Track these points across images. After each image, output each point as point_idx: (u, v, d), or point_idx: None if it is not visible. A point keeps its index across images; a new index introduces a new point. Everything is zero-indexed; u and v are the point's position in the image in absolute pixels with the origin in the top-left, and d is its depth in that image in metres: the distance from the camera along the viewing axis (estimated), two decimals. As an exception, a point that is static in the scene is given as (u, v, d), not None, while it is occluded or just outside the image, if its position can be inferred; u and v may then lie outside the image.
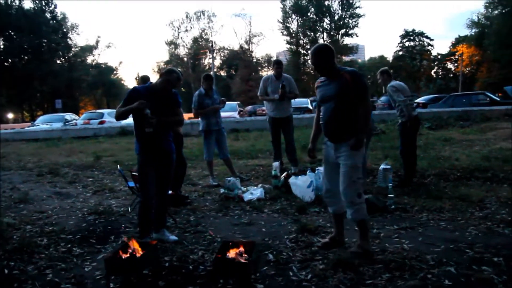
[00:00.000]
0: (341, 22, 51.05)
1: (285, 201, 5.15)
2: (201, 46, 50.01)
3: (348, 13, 50.30)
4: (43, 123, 19.77)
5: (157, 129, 3.59)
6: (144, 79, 5.50)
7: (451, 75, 53.76)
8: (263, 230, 4.14)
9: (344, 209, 3.41)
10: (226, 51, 52.77)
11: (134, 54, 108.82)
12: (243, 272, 2.79)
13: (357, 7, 49.50)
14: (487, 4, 40.52)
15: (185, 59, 49.61)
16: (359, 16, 50.19)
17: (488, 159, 7.24)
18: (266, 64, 55.71)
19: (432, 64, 54.97)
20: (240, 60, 51.14)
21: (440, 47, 71.61)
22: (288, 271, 3.12)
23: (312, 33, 52.15)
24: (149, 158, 3.74)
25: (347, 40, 51.92)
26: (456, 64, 51.83)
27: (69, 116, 22.03)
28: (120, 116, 3.78)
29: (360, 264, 3.15)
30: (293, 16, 51.18)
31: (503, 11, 36.08)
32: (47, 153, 11.70)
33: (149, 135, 3.59)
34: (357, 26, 50.70)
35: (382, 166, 5.87)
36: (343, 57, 52.07)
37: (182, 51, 50.11)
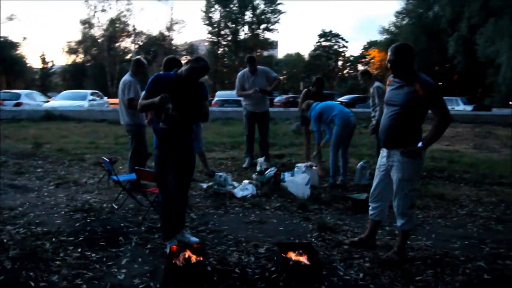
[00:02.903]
0: (263, 17, 51.89)
1: (280, 198, 5.12)
2: (118, 28, 47.08)
3: (270, 8, 51.23)
4: None
5: (179, 124, 3.30)
6: (169, 63, 4.70)
7: (362, 76, 57.72)
8: (281, 228, 4.09)
9: (384, 217, 3.50)
10: (144, 36, 50.36)
11: (41, 30, 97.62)
12: (316, 274, 2.73)
13: (279, 3, 50.68)
14: (397, 14, 44.36)
15: (100, 40, 46.29)
16: (280, 12, 51.47)
17: (434, 159, 7.97)
18: (185, 53, 54.56)
19: (346, 65, 58.56)
20: (160, 47, 49.26)
21: (351, 49, 76.60)
22: (336, 271, 3.12)
23: (234, 25, 52.25)
24: (169, 154, 3.41)
25: (267, 35, 53.04)
26: (367, 67, 55.86)
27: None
28: (143, 110, 3.45)
29: (399, 261, 3.27)
30: (216, 6, 50.67)
31: (411, 22, 39.66)
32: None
33: (163, 131, 3.28)
34: (278, 22, 51.95)
35: (359, 164, 6.12)
36: (264, 52, 53.17)
37: (97, 32, 46.73)
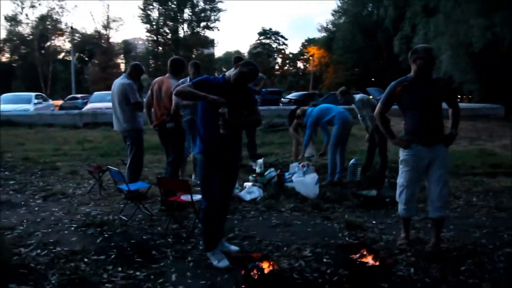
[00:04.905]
0: (203, 15, 51.28)
1: (288, 198, 5.12)
2: (50, 26, 43.94)
3: (210, 6, 50.75)
4: None
5: (232, 131, 3.17)
6: (176, 64, 4.79)
7: (301, 73, 59.31)
8: (309, 230, 4.10)
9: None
10: (78, 35, 47.54)
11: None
12: (385, 273, 2.78)
13: (219, 1, 50.35)
14: (334, 13, 46.11)
15: (29, 38, 42.93)
16: (220, 10, 51.16)
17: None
18: (122, 51, 52.48)
19: (285, 62, 59.72)
20: (96, 46, 46.84)
21: (290, 46, 78.38)
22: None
23: (172, 23, 51.11)
24: (216, 161, 3.24)
25: (207, 33, 52.48)
26: (306, 64, 57.45)
27: None
28: (185, 95, 3.17)
29: (436, 253, 3.42)
30: (155, 4, 49.20)
31: (348, 20, 41.36)
32: None
33: (223, 137, 3.12)
34: (218, 20, 51.64)
35: (352, 161, 6.30)
36: (204, 50, 52.61)
37: (26, 30, 43.25)
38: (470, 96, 21.86)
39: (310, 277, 3.01)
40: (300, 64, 60.49)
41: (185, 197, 4.01)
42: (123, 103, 4.94)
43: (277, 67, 59.40)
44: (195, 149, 5.73)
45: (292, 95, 27.25)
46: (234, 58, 6.78)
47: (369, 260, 2.87)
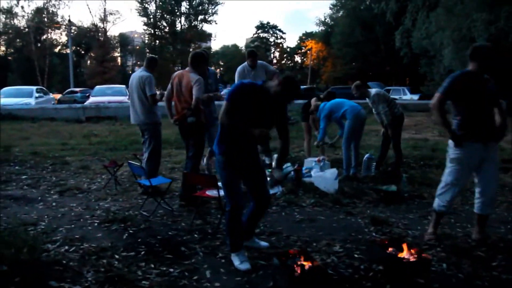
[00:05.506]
0: (200, 8, 50.93)
1: (307, 193, 5.11)
2: (46, 18, 43.43)
3: (207, -1, 50.40)
4: None
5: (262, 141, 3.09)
6: (197, 59, 4.61)
7: (298, 67, 59.21)
8: (334, 225, 4.08)
9: None
10: (74, 28, 47.09)
11: None
12: (424, 269, 2.77)
13: (216, -5, 49.97)
14: (332, 6, 45.99)
15: (25, 31, 42.43)
16: (217, 3, 50.81)
17: (415, 147, 8.44)
18: (118, 45, 52.13)
19: (283, 55, 59.58)
20: (93, 39, 46.42)
21: (287, 40, 78.10)
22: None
23: (170, 16, 50.74)
24: (237, 163, 3.15)
25: (205, 27, 52.17)
26: (303, 58, 57.31)
27: None
28: (228, 128, 3.01)
29: (464, 249, 3.42)
30: (152, -3, 48.78)
31: (346, 14, 41.29)
32: None
33: (245, 139, 3.05)
34: (216, 14, 51.34)
35: (366, 156, 6.28)
36: (202, 44, 52.26)
37: (22, 22, 42.75)
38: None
39: (345, 273, 3.00)
40: (297, 58, 60.39)
41: (211, 192, 3.98)
42: (143, 96, 4.89)
43: (274, 61, 59.24)
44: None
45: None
46: (248, 52, 6.74)
47: (406, 255, 2.85)
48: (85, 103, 15.18)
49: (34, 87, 16.93)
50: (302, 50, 57.14)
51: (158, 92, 5.19)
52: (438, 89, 3.47)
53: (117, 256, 3.23)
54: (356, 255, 3.32)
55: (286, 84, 2.94)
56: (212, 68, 5.48)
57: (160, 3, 49.12)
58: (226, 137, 3.11)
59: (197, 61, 4.63)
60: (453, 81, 3.36)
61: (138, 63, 55.48)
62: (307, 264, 2.63)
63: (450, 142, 3.50)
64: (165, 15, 50.31)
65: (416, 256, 2.84)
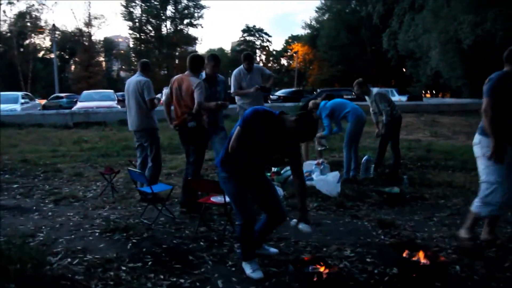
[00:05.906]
0: (186, 12, 50.78)
1: (309, 197, 5.02)
2: (29, 23, 42.68)
3: (193, 3, 50.28)
4: None
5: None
6: (195, 62, 4.61)
7: (284, 70, 59.38)
8: (341, 229, 4.03)
9: None
10: (58, 32, 46.37)
11: None
12: (441, 273, 2.73)
13: (202, -1, 49.96)
14: (317, 9, 46.27)
15: (7, 35, 41.61)
16: (203, 7, 50.74)
17: (410, 148, 8.47)
18: (103, 49, 51.54)
19: (269, 58, 59.70)
20: (78, 44, 45.81)
21: (273, 43, 78.44)
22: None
23: (155, 21, 50.45)
24: (243, 181, 3.07)
25: (190, 31, 52.01)
26: (290, 61, 57.51)
27: None
28: (238, 158, 2.93)
29: (474, 251, 3.39)
30: (137, 1, 48.43)
31: (332, 16, 41.62)
32: None
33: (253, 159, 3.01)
34: (202, 17, 51.24)
35: (364, 158, 6.26)
36: (188, 48, 52.06)
37: (4, 27, 41.94)
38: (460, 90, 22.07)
39: (360, 278, 2.95)
40: (284, 61, 60.58)
41: (215, 199, 3.88)
42: (141, 101, 4.78)
43: (261, 64, 59.34)
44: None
45: (281, 92, 27.22)
46: (244, 55, 6.64)
47: (422, 259, 2.81)
48: (73, 109, 14.90)
49: (20, 93, 16.56)
50: (288, 53, 57.36)
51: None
52: (484, 94, 3.36)
53: (124, 268, 3.11)
54: (368, 259, 3.26)
55: (301, 123, 2.81)
56: (222, 76, 5.27)
57: (146, 7, 48.82)
58: (232, 160, 3.01)
59: (197, 65, 4.54)
60: (499, 80, 3.30)
61: (123, 67, 54.97)
62: (325, 271, 2.57)
63: (482, 139, 3.40)
64: (150, 19, 50.03)
65: (433, 259, 2.80)
